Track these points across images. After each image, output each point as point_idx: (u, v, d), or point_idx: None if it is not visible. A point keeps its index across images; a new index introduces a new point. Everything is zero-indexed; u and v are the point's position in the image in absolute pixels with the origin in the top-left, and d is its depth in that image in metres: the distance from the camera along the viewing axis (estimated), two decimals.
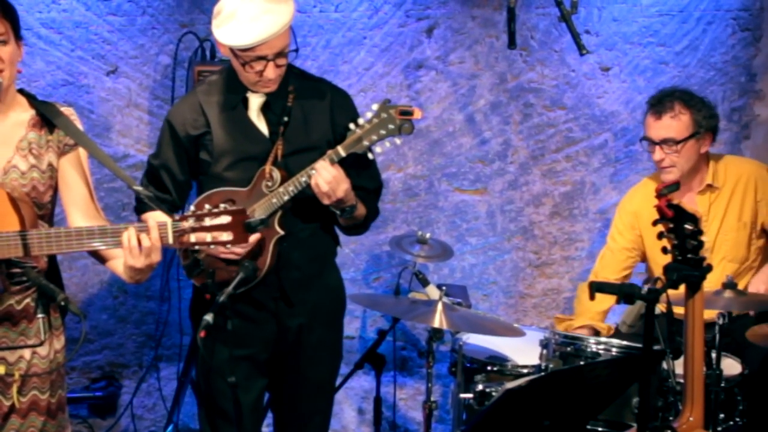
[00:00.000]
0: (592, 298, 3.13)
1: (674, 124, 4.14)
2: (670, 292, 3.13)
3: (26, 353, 3.03)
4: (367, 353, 4.31)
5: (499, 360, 4.05)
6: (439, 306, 3.81)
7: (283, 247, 3.48)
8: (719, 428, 3.78)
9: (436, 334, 3.96)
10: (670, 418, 3.60)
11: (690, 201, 4.11)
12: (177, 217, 2.94)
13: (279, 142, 3.49)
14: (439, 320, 3.77)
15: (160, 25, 4.67)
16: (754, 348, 3.82)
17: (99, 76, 4.67)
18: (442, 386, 4.91)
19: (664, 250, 3.25)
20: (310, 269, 3.59)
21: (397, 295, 4.35)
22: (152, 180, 3.60)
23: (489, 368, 3.99)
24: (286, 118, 3.50)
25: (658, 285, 3.08)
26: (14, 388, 2.99)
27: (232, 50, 3.40)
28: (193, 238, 2.90)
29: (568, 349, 3.84)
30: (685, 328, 3.28)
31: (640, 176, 4.61)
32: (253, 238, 3.32)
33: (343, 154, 3.41)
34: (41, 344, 3.04)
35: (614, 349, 3.80)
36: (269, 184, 3.45)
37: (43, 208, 3.05)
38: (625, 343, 3.81)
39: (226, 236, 2.89)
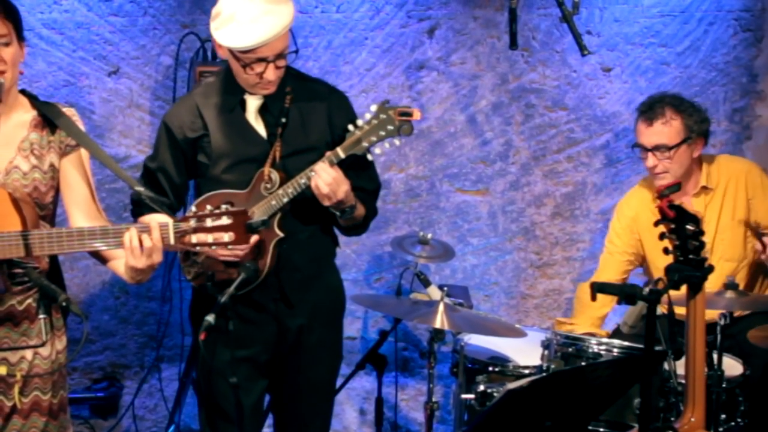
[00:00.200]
0: (593, 298, 3.14)
1: (666, 130, 4.13)
2: (671, 292, 3.14)
3: (28, 354, 3.03)
4: (369, 354, 4.31)
5: (500, 360, 4.05)
6: (441, 307, 3.81)
7: (283, 248, 3.48)
8: (720, 429, 3.78)
9: (437, 335, 3.96)
10: (672, 419, 3.60)
11: (686, 204, 4.10)
12: (178, 218, 2.94)
13: (277, 143, 3.48)
14: (440, 321, 3.77)
15: (161, 25, 4.67)
16: (757, 349, 3.82)
17: (100, 76, 4.67)
18: (444, 387, 4.91)
19: (666, 251, 3.25)
20: (310, 270, 3.58)
21: (399, 295, 4.35)
22: (149, 183, 3.58)
23: (490, 369, 3.99)
24: (283, 120, 3.49)
25: (660, 286, 3.08)
26: (16, 389, 2.99)
27: (231, 52, 3.39)
28: (194, 238, 2.90)
29: (570, 349, 3.84)
30: (687, 328, 3.29)
31: (642, 177, 4.60)
32: (254, 239, 3.31)
33: (342, 155, 3.41)
34: (43, 345, 3.04)
35: (616, 350, 3.80)
36: (268, 186, 3.45)
37: (45, 208, 3.05)
38: (626, 343, 3.81)
39: (227, 237, 2.89)
